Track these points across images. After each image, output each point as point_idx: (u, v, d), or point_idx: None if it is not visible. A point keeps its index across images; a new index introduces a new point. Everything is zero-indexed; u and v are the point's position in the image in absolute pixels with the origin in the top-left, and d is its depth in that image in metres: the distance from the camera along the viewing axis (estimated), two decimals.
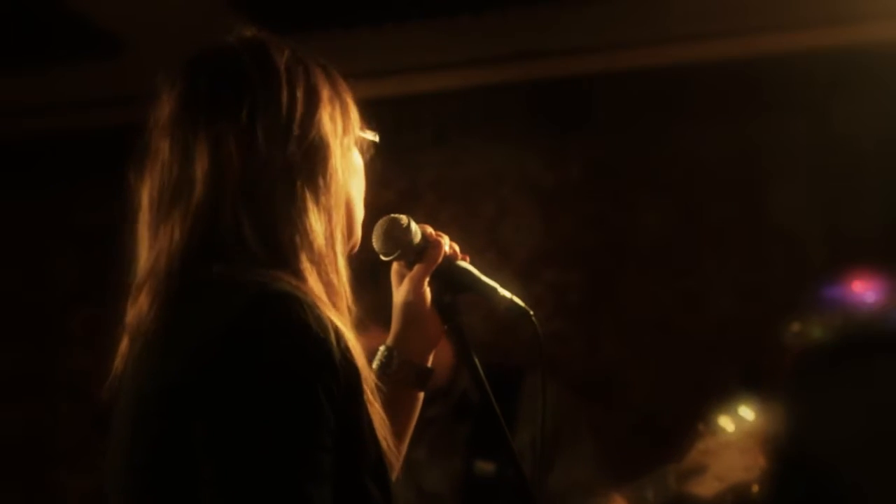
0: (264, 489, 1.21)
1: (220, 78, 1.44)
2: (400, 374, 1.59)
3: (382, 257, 1.59)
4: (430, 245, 1.57)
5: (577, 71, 4.12)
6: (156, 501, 1.29)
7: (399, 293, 1.59)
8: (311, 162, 1.40)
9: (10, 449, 4.54)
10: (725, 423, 2.73)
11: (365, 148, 1.53)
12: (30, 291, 4.65)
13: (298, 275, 1.35)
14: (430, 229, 1.59)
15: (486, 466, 2.86)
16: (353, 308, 1.41)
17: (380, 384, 1.41)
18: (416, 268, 1.57)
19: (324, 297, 1.36)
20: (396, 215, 1.56)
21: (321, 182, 1.40)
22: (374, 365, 1.59)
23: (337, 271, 1.40)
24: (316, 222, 1.38)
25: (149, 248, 1.40)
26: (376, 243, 1.56)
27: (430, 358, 1.62)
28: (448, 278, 1.58)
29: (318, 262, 1.37)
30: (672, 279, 4.06)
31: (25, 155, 4.58)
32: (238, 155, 1.37)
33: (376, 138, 1.53)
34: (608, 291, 4.15)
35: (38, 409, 4.54)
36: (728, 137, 4.06)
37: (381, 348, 1.60)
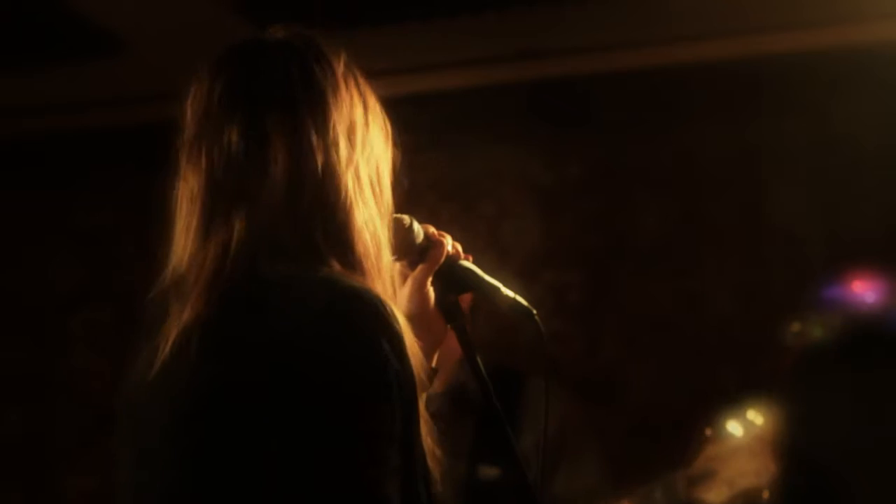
0: (345, 485, 1.23)
1: (289, 70, 1.44)
2: None
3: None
4: (432, 245, 1.57)
5: (577, 71, 4.12)
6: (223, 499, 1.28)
7: (402, 294, 1.59)
8: (370, 168, 1.43)
9: (10, 449, 4.54)
10: (734, 428, 2.73)
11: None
12: (30, 291, 4.65)
13: (364, 278, 1.36)
14: (432, 229, 1.59)
15: (489, 471, 2.86)
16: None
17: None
18: (419, 268, 1.57)
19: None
20: (399, 215, 1.56)
21: (378, 189, 1.44)
22: None
23: (391, 277, 1.42)
24: (377, 229, 1.40)
25: (199, 242, 1.35)
26: None
27: (435, 358, 1.62)
28: (451, 278, 1.57)
29: (378, 268, 1.39)
30: (672, 279, 4.06)
31: (25, 155, 4.59)
32: (315, 153, 1.37)
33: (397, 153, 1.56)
34: (608, 291, 4.15)
35: (38, 409, 4.54)
36: (728, 137, 4.06)
37: None
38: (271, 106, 1.39)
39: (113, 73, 4.10)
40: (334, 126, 1.40)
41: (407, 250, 1.56)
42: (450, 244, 1.58)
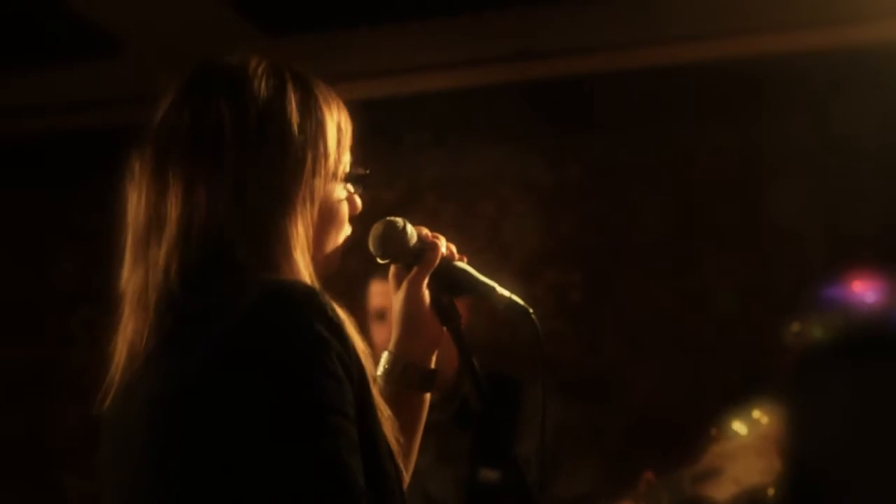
0: (306, 461, 1.24)
1: (215, 95, 1.43)
2: (404, 378, 1.59)
3: (379, 260, 1.59)
4: (426, 247, 1.57)
5: (577, 71, 4.12)
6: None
7: (398, 297, 1.59)
8: (297, 181, 1.42)
9: (10, 449, 4.54)
10: (739, 426, 2.74)
11: (353, 181, 1.52)
12: (30, 291, 4.65)
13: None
14: (426, 231, 1.58)
15: (489, 473, 2.86)
16: None
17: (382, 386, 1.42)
18: (414, 270, 1.57)
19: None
20: (393, 218, 1.55)
21: (308, 200, 1.42)
22: (378, 371, 1.59)
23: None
24: (300, 236, 1.40)
25: (134, 266, 1.42)
26: (373, 246, 1.56)
27: (434, 359, 1.62)
28: (446, 279, 1.57)
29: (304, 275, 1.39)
30: (672, 279, 4.06)
31: (25, 155, 4.58)
32: (229, 176, 1.39)
33: (365, 172, 1.53)
34: (608, 291, 4.15)
35: (38, 409, 4.54)
36: (728, 137, 4.06)
37: (384, 354, 1.60)
38: (180, 132, 1.42)
39: (113, 73, 4.10)
40: (255, 140, 1.40)
41: (401, 253, 1.56)
42: (444, 245, 1.58)
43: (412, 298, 1.57)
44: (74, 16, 3.73)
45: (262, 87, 1.44)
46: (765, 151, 4.03)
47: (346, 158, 1.50)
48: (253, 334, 1.29)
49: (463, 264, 1.59)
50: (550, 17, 3.80)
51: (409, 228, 1.56)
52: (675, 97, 4.08)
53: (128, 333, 1.40)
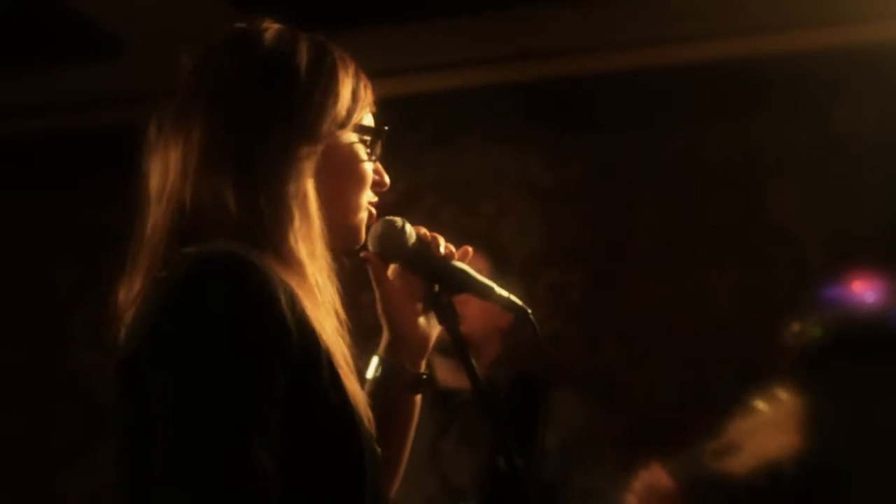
0: (207, 445, 1.21)
1: (225, 67, 1.46)
2: (395, 382, 1.58)
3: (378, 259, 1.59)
4: (424, 247, 1.56)
5: (577, 71, 4.12)
6: (126, 473, 1.30)
7: (389, 297, 1.58)
8: (303, 150, 1.41)
9: (10, 449, 4.54)
10: (760, 403, 2.75)
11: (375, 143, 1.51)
12: (30, 291, 4.65)
13: (278, 252, 1.35)
14: (424, 230, 1.58)
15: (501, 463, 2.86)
16: (335, 299, 1.41)
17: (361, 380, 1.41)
18: (408, 274, 1.57)
19: (297, 275, 1.35)
20: (391, 217, 1.55)
21: (313, 168, 1.41)
22: (368, 375, 1.59)
23: (319, 259, 1.39)
24: (302, 207, 1.39)
25: (142, 232, 1.41)
26: (372, 246, 1.56)
27: (423, 363, 1.62)
28: (444, 279, 1.57)
29: (300, 245, 1.37)
30: (672, 279, 4.06)
31: (25, 155, 4.58)
32: (224, 137, 1.39)
33: (382, 127, 1.52)
34: (608, 291, 4.15)
35: (38, 409, 4.54)
36: (728, 137, 4.06)
37: (374, 359, 1.60)
38: (196, 101, 1.43)
39: (113, 73, 4.09)
40: (259, 109, 1.40)
41: (399, 252, 1.56)
42: (443, 245, 1.57)
43: (400, 301, 1.57)
44: (74, 16, 3.72)
45: (272, 43, 1.48)
46: (765, 151, 4.03)
47: (363, 114, 1.49)
48: (166, 315, 1.28)
49: (461, 264, 1.58)
50: (550, 17, 3.80)
51: (409, 228, 1.56)
52: (675, 97, 4.08)
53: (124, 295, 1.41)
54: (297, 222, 1.38)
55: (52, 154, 4.54)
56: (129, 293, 1.38)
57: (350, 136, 1.47)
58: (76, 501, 4.38)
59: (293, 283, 1.32)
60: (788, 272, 3.92)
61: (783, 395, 2.74)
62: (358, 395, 1.36)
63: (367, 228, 1.52)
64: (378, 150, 1.51)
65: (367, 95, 1.50)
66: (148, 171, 1.43)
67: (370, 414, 1.38)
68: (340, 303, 1.41)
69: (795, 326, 3.51)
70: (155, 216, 1.40)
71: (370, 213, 1.51)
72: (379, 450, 1.41)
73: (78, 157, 4.46)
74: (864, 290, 3.57)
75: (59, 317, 4.56)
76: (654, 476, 2.75)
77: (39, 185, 4.59)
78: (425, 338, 1.60)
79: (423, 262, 1.56)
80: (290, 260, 1.36)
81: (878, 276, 3.58)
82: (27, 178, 4.60)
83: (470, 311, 1.61)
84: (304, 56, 1.46)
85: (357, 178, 1.48)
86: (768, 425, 2.72)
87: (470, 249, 1.61)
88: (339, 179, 1.45)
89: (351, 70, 1.50)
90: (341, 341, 1.37)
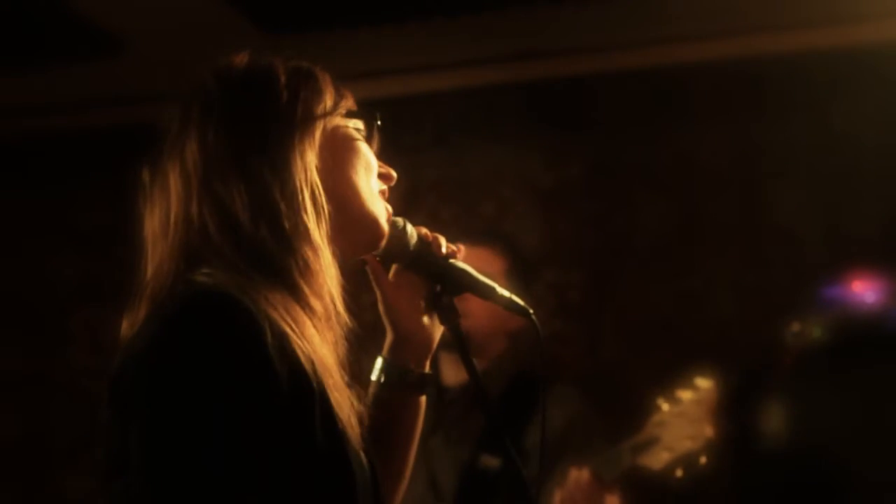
0: (173, 484, 1.22)
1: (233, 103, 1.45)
2: (400, 383, 1.58)
3: (379, 260, 1.59)
4: (425, 247, 1.56)
5: (577, 71, 4.12)
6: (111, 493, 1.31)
7: (391, 298, 1.58)
8: (310, 183, 1.41)
9: (10, 449, 4.54)
10: (681, 393, 2.74)
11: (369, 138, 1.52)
12: (30, 291, 4.64)
13: (279, 277, 1.35)
14: (425, 230, 1.58)
15: (490, 461, 2.86)
16: (344, 314, 1.40)
17: (359, 391, 1.41)
18: (410, 274, 1.57)
19: (297, 301, 1.35)
20: (393, 218, 1.55)
21: (315, 210, 1.40)
22: (373, 377, 1.59)
23: (322, 273, 1.38)
24: (312, 196, 1.39)
25: (147, 267, 1.42)
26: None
27: (428, 363, 1.61)
28: (446, 279, 1.57)
29: (300, 264, 1.37)
30: (672, 279, 4.06)
31: (25, 155, 4.58)
32: (222, 148, 1.39)
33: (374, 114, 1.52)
34: (608, 291, 4.15)
35: (38, 409, 4.54)
36: (728, 137, 4.06)
37: (378, 360, 1.59)
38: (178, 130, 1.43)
39: (113, 73, 4.09)
40: (230, 130, 1.40)
41: (401, 253, 1.55)
42: (444, 245, 1.57)
43: (404, 302, 1.57)
44: (74, 16, 3.72)
45: (249, 60, 1.47)
46: (765, 151, 4.03)
47: (349, 105, 1.50)
48: (150, 351, 1.28)
49: (463, 264, 1.58)
50: (550, 17, 3.80)
51: (410, 228, 1.55)
52: (675, 97, 4.08)
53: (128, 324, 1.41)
54: (310, 210, 1.38)
55: (52, 154, 4.54)
56: (134, 322, 1.38)
57: (342, 121, 1.48)
58: (76, 501, 4.38)
59: (290, 315, 1.32)
60: (788, 272, 3.92)
61: (702, 384, 2.72)
62: (352, 423, 1.36)
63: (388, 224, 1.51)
64: (374, 135, 1.52)
65: (349, 96, 1.51)
66: (146, 212, 1.43)
67: (364, 434, 1.39)
68: (347, 311, 1.41)
69: (795, 326, 3.52)
70: (162, 250, 1.39)
71: (387, 209, 1.51)
72: (376, 470, 1.41)
73: (78, 157, 4.46)
74: (864, 290, 3.57)
75: (59, 317, 4.56)
76: (580, 475, 2.75)
77: (39, 185, 4.59)
78: (429, 338, 1.60)
79: (424, 262, 1.56)
80: (302, 275, 1.36)
81: (878, 276, 3.58)
82: (27, 178, 4.60)
83: (475, 307, 1.61)
84: (280, 66, 1.47)
85: (359, 158, 1.48)
86: (681, 417, 2.71)
87: (462, 247, 1.60)
88: (342, 163, 1.46)
89: (328, 77, 1.50)
90: (340, 377, 1.36)
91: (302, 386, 1.29)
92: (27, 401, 4.56)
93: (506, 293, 1.56)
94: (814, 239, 3.92)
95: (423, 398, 1.61)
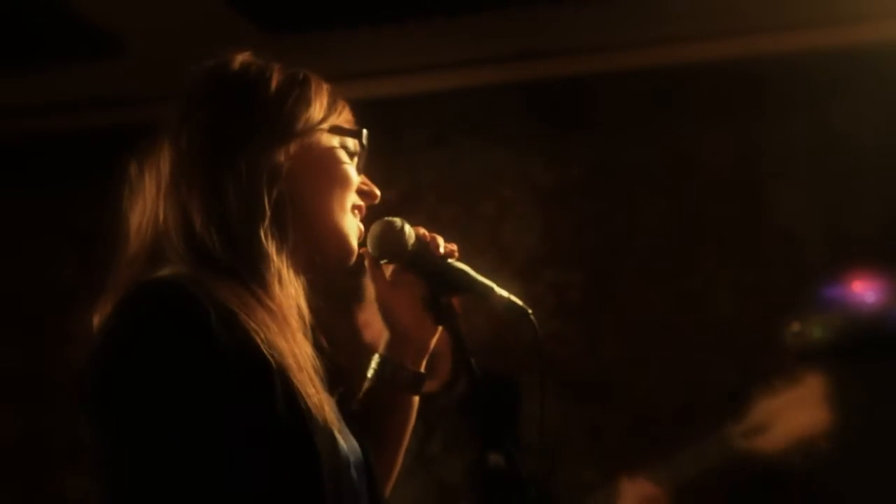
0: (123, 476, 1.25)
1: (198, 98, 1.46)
2: (393, 381, 1.58)
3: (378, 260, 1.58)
4: (423, 247, 1.56)
5: (577, 71, 4.12)
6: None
7: (388, 298, 1.58)
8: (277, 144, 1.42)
9: (10, 449, 4.54)
10: (784, 383, 2.74)
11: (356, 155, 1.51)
12: (30, 291, 4.64)
13: (231, 276, 1.36)
14: (423, 230, 1.57)
15: (498, 458, 2.87)
16: (306, 314, 1.41)
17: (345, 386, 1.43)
18: (408, 274, 1.57)
19: (252, 295, 1.36)
20: (391, 218, 1.55)
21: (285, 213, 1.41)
22: (368, 373, 1.59)
23: (274, 283, 1.38)
24: (276, 212, 1.39)
25: (120, 262, 1.44)
26: (371, 246, 1.55)
27: (424, 363, 1.61)
28: (444, 279, 1.57)
29: (252, 271, 1.37)
30: (672, 279, 4.06)
31: (25, 155, 4.58)
32: (193, 154, 1.40)
33: (358, 129, 1.51)
34: (608, 291, 4.15)
35: (38, 409, 4.54)
36: (728, 137, 4.06)
37: (375, 356, 1.60)
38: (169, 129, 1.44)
39: (113, 73, 4.10)
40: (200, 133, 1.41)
41: (399, 253, 1.55)
42: (442, 245, 1.57)
43: (404, 301, 1.57)
44: (74, 16, 3.72)
45: (243, 64, 1.47)
46: (765, 151, 4.03)
47: (340, 120, 1.49)
48: (96, 345, 1.31)
49: (461, 264, 1.58)
50: (550, 17, 3.80)
51: (408, 228, 1.55)
52: (675, 97, 4.08)
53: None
54: (267, 223, 1.38)
55: (52, 154, 4.54)
56: (101, 318, 1.39)
57: (329, 139, 1.47)
58: (76, 501, 4.38)
59: (243, 304, 1.33)
60: (788, 272, 3.92)
61: (806, 375, 2.73)
62: (321, 402, 1.36)
63: (359, 243, 1.51)
64: (361, 154, 1.51)
65: (344, 111, 1.50)
66: (128, 206, 1.45)
67: (334, 415, 1.39)
68: (309, 318, 1.42)
69: (795, 326, 3.51)
70: (133, 248, 1.42)
71: (359, 228, 1.51)
72: (357, 452, 1.42)
73: (78, 157, 4.46)
74: (864, 290, 3.57)
75: (59, 317, 4.55)
76: (639, 486, 2.75)
77: (39, 185, 4.58)
78: (426, 338, 1.59)
79: (422, 262, 1.56)
80: (252, 278, 1.37)
81: (878, 276, 3.58)
82: (27, 178, 4.60)
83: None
84: (274, 72, 1.47)
85: (337, 178, 1.47)
86: (796, 403, 2.72)
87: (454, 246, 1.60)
88: (318, 180, 1.45)
89: (325, 87, 1.50)
90: (301, 355, 1.36)
91: (255, 361, 1.30)
92: (27, 401, 4.56)
93: (504, 293, 1.56)
94: (814, 239, 3.92)
95: (416, 399, 1.61)
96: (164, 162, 1.41)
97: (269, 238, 1.38)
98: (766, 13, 3.80)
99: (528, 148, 4.25)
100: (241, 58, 1.48)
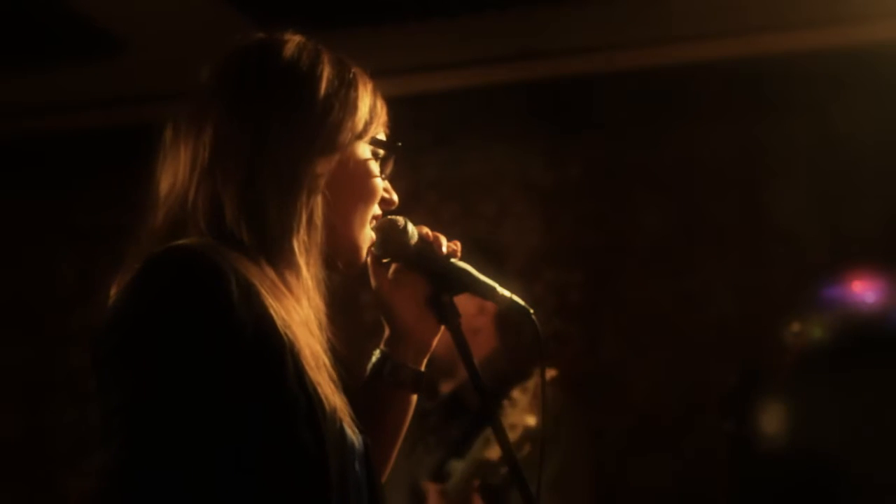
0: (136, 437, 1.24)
1: (239, 72, 1.47)
2: (393, 378, 1.59)
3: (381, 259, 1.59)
4: (426, 246, 1.56)
5: (577, 71, 4.12)
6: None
7: (390, 297, 1.58)
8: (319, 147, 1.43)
9: (10, 449, 4.54)
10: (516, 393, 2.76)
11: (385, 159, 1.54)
12: (30, 291, 4.65)
13: (269, 257, 1.38)
14: (426, 230, 1.58)
15: (457, 465, 2.89)
16: (321, 307, 1.43)
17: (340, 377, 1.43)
18: (410, 273, 1.57)
19: (277, 280, 1.38)
20: (393, 217, 1.55)
21: (327, 166, 1.43)
22: (368, 369, 1.59)
23: (312, 268, 1.41)
24: (309, 218, 1.41)
25: (144, 229, 1.44)
26: (374, 245, 1.56)
27: (424, 361, 1.61)
28: (446, 278, 1.57)
29: (296, 256, 1.39)
30: (672, 279, 4.06)
31: (25, 155, 4.58)
32: (238, 140, 1.41)
33: (396, 143, 1.55)
34: (608, 291, 4.15)
35: (38, 409, 4.54)
36: (728, 137, 4.06)
37: (376, 352, 1.60)
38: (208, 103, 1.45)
39: (113, 73, 4.10)
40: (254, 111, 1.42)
41: (401, 252, 1.55)
42: (445, 244, 1.57)
43: (406, 299, 1.57)
44: (74, 16, 3.72)
45: (295, 53, 1.48)
46: (765, 151, 4.03)
47: (378, 131, 1.53)
48: (115, 310, 1.32)
49: (463, 264, 1.58)
50: (550, 17, 3.80)
51: (410, 228, 1.55)
52: (675, 97, 4.08)
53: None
54: (301, 233, 1.40)
55: (52, 154, 4.54)
56: (120, 284, 1.40)
57: (364, 150, 1.50)
58: (76, 501, 4.38)
59: (263, 281, 1.34)
60: (788, 272, 3.92)
61: (530, 383, 2.74)
62: (327, 389, 1.37)
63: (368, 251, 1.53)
64: (390, 167, 1.54)
65: (382, 114, 1.54)
66: (160, 172, 1.45)
67: (343, 405, 1.40)
68: (325, 314, 1.43)
69: (795, 326, 3.52)
70: (157, 215, 1.42)
71: (372, 238, 1.53)
72: (361, 438, 1.43)
73: (78, 157, 4.46)
74: (864, 290, 3.57)
75: (59, 317, 4.56)
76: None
77: (39, 185, 4.59)
78: (427, 337, 1.59)
79: (424, 261, 1.56)
80: (280, 265, 1.39)
81: (878, 276, 3.58)
82: (27, 178, 4.60)
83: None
84: (325, 69, 1.48)
85: (367, 193, 1.50)
86: (515, 408, 2.74)
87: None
88: (349, 193, 1.48)
89: (370, 87, 1.53)
90: (314, 343, 1.38)
91: (271, 336, 1.32)
92: (27, 401, 4.56)
93: (506, 293, 1.56)
94: (814, 239, 3.92)
95: (414, 397, 1.61)
96: (204, 139, 1.42)
97: (300, 244, 1.40)
98: (766, 13, 3.80)
99: (528, 148, 4.25)
100: (293, 42, 1.50)
